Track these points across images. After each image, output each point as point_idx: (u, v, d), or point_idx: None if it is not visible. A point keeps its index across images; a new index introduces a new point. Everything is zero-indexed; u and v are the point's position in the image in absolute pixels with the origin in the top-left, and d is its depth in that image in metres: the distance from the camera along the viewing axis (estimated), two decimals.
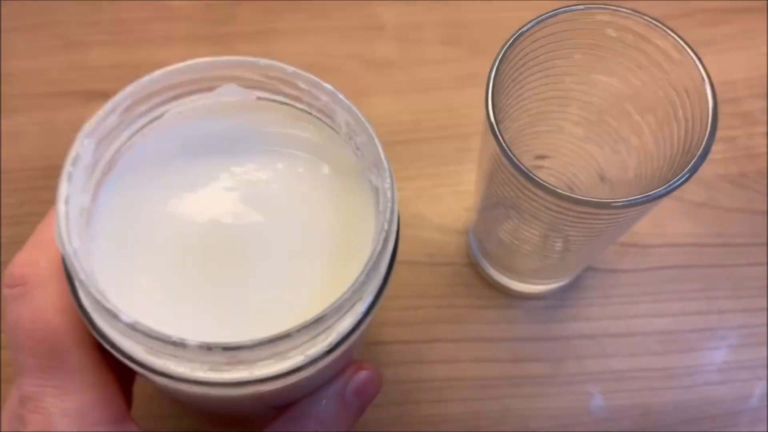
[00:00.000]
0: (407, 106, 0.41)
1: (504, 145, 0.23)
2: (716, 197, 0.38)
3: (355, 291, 0.20)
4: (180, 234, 0.23)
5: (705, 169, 0.38)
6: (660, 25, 0.25)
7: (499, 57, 0.24)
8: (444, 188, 0.39)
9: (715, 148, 0.39)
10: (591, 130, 0.31)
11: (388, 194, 0.22)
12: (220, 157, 0.25)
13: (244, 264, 0.23)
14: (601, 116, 0.30)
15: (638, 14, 0.25)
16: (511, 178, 0.25)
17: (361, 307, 0.21)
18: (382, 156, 0.22)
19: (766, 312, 0.36)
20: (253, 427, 0.25)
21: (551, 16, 0.25)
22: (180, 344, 0.18)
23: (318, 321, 0.19)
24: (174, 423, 0.33)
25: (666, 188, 0.24)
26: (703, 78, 0.24)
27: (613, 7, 0.25)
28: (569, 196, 0.23)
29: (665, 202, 0.38)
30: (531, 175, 0.23)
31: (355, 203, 0.24)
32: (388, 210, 0.21)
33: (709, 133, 0.24)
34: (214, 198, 0.24)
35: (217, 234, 0.23)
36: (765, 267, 0.37)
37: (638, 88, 0.27)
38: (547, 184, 0.23)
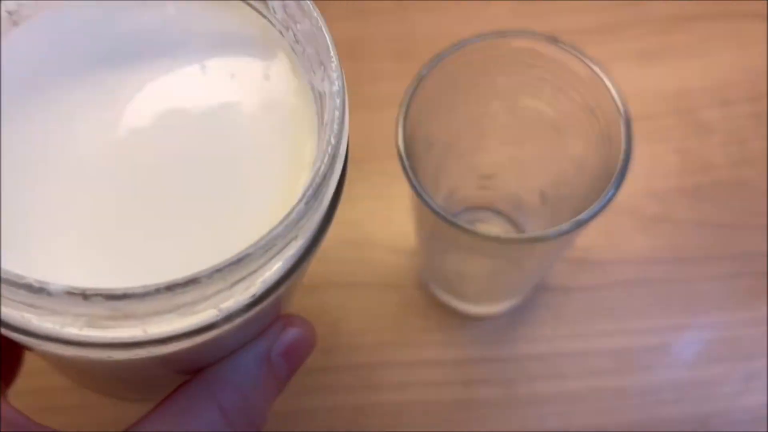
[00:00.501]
0: (357, 124, 0.39)
1: (415, 183, 0.23)
2: (671, 210, 0.37)
3: (288, 225, 0.15)
4: (64, 157, 0.18)
5: (659, 182, 0.38)
6: (572, 50, 0.24)
7: (414, 88, 0.24)
8: (395, 209, 0.38)
9: (670, 159, 0.38)
10: (527, 150, 0.30)
11: (337, 100, 0.17)
12: (117, 62, 0.19)
13: (151, 194, 0.18)
14: (533, 137, 0.29)
15: (552, 39, 0.24)
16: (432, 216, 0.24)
17: (294, 248, 0.17)
18: (331, 49, 0.17)
19: (719, 327, 0.35)
20: (155, 397, 0.20)
21: (467, 45, 0.24)
22: (39, 289, 0.13)
23: (236, 263, 0.15)
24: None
25: (590, 213, 0.24)
26: (615, 99, 0.23)
27: (528, 34, 0.25)
28: (483, 234, 0.23)
29: (618, 216, 0.37)
30: (441, 213, 0.23)
31: (292, 117, 0.19)
32: (336, 121, 0.17)
33: (624, 157, 0.23)
34: (110, 113, 0.19)
35: (117, 158, 0.18)
36: (719, 282, 0.36)
37: (562, 110, 0.26)
38: (454, 221, 0.23)
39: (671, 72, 0.40)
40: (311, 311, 0.36)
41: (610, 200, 0.23)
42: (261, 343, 0.20)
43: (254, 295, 0.16)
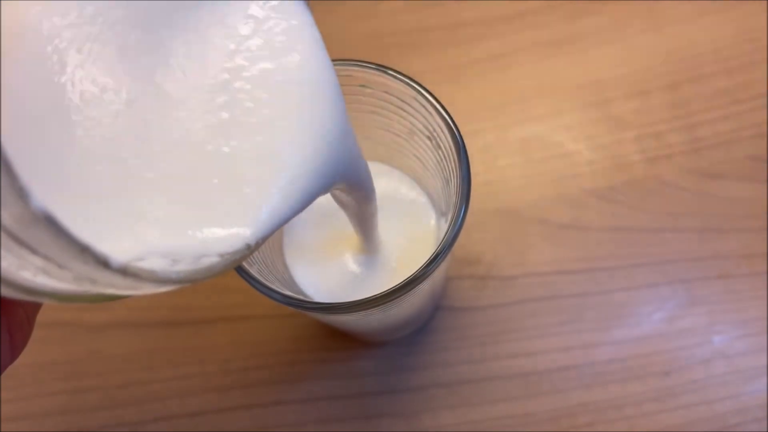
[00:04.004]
0: None
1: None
2: (582, 216, 0.34)
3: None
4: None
5: (569, 185, 0.35)
6: (401, 76, 0.21)
7: None
8: None
9: (581, 159, 0.35)
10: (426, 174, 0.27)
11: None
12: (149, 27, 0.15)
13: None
14: (411, 164, 0.26)
15: (381, 69, 0.21)
16: None
17: None
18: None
19: (636, 344, 0.32)
20: None
21: None
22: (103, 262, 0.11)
23: None
24: None
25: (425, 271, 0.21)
26: (449, 125, 0.21)
27: (357, 64, 0.22)
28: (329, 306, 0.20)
29: (524, 227, 0.34)
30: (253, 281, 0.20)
31: None
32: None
33: (461, 197, 0.20)
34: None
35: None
36: (635, 293, 0.33)
37: (414, 140, 0.24)
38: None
39: (581, 61, 0.37)
40: (200, 349, 0.34)
41: (442, 257, 0.21)
42: None
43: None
